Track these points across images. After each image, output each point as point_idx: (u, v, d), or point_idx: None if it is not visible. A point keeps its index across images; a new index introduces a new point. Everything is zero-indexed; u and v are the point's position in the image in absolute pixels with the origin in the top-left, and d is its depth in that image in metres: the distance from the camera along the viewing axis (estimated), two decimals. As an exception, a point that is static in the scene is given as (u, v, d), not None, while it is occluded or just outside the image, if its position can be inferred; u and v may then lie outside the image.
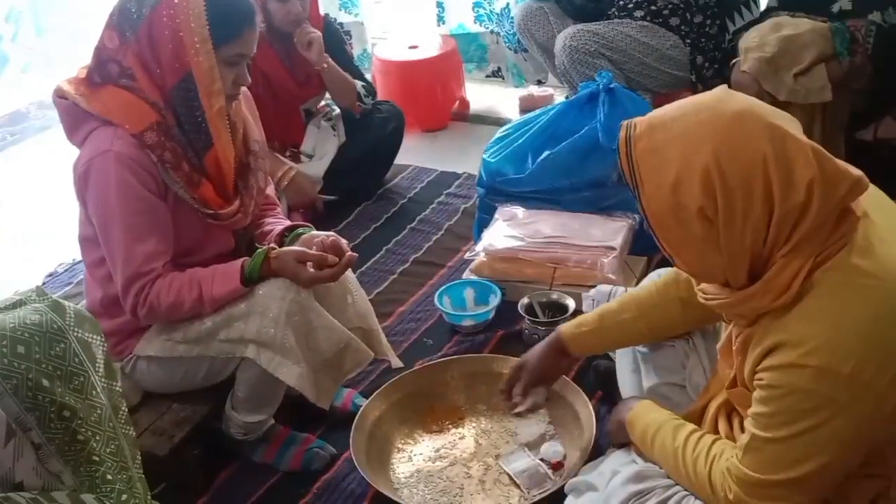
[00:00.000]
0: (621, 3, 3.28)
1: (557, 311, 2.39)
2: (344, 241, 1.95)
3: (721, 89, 1.31)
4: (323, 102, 3.30)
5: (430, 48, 3.91)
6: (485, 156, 2.85)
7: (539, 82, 3.95)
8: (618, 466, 1.67)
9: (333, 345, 1.90)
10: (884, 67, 2.76)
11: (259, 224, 2.10)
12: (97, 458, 1.41)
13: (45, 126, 4.29)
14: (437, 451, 2.03)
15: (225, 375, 1.98)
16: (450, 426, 2.10)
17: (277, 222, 2.10)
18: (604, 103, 2.71)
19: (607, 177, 2.64)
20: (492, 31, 4.12)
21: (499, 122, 3.66)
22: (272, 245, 1.95)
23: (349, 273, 2.02)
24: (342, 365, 1.95)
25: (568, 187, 2.69)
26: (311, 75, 3.08)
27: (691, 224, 1.23)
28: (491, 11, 4.04)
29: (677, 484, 1.51)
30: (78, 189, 1.87)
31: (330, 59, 3.03)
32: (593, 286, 2.34)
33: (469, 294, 2.60)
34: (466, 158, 3.50)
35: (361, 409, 2.04)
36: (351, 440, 1.95)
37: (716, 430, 1.52)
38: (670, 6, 3.20)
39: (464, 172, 3.45)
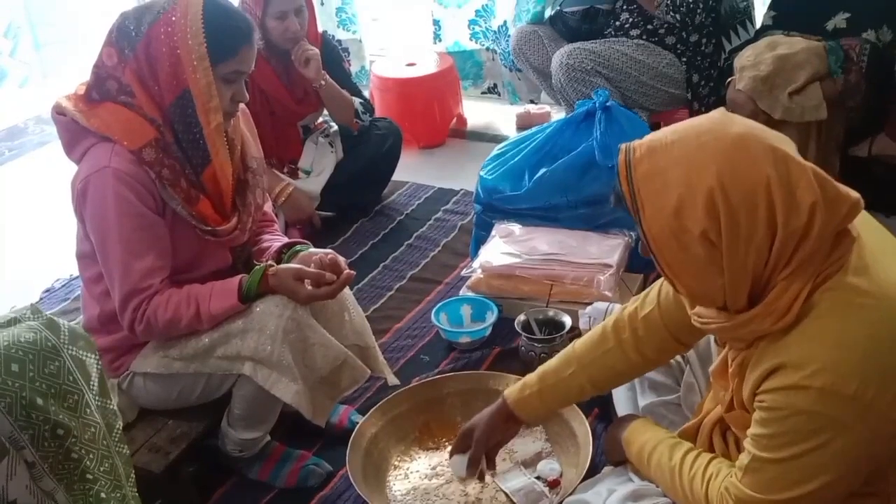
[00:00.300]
0: (617, 23, 3.30)
1: (554, 328, 2.39)
2: (342, 259, 1.95)
3: (719, 112, 1.30)
4: (321, 119, 3.31)
5: (427, 65, 3.93)
6: (482, 173, 2.86)
7: (532, 101, 3.97)
8: (614, 485, 1.67)
9: (330, 362, 1.90)
10: (878, 85, 2.78)
11: (257, 241, 2.11)
12: (91, 477, 1.40)
13: (43, 141, 4.30)
14: (434, 468, 2.03)
15: (221, 392, 1.98)
16: (446, 443, 2.09)
17: (275, 239, 2.10)
18: (600, 121, 2.72)
19: (604, 194, 2.64)
20: (487, 49, 4.14)
21: (496, 139, 3.68)
22: (270, 262, 1.95)
23: (346, 290, 2.02)
24: (339, 382, 1.95)
25: (564, 205, 2.70)
26: (308, 92, 3.09)
27: (694, 247, 1.22)
28: (487, 29, 4.06)
29: (674, 503, 1.51)
30: (76, 205, 1.87)
31: (328, 77, 3.05)
32: (590, 303, 2.35)
33: (466, 311, 2.61)
34: (463, 175, 3.51)
35: (358, 426, 2.03)
36: (347, 457, 1.94)
37: (710, 448, 1.52)
38: (666, 25, 3.22)
39: (461, 189, 3.46)
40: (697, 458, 1.47)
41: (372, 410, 2.08)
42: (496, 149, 2.94)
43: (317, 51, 2.99)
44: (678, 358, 1.82)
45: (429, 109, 3.89)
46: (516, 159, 2.81)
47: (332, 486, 2.09)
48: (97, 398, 1.46)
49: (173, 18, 1.78)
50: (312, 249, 2.02)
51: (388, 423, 2.07)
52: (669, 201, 1.23)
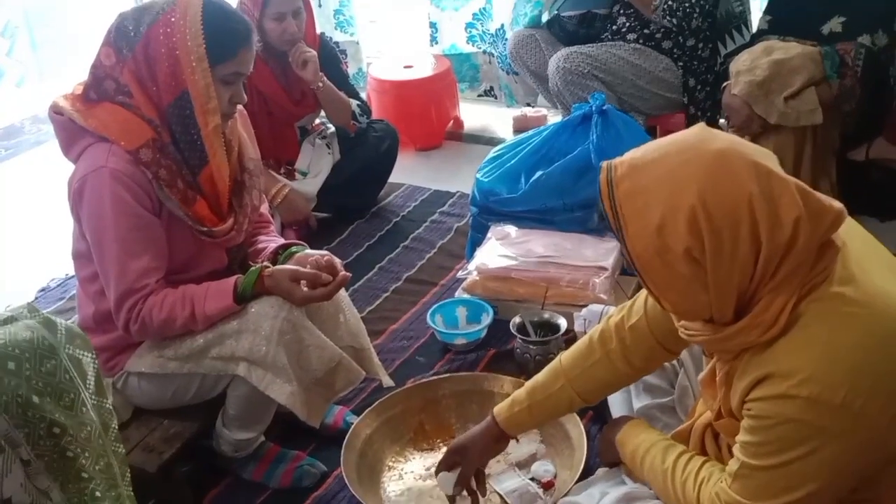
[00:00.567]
0: (614, 27, 3.31)
1: (549, 330, 2.40)
2: (338, 261, 1.96)
3: (699, 127, 1.29)
4: (318, 120, 3.31)
5: (424, 68, 3.94)
6: (478, 175, 2.87)
7: (528, 105, 3.98)
8: (608, 487, 1.67)
9: (325, 363, 1.90)
10: (873, 89, 2.79)
11: (253, 242, 2.11)
12: (86, 476, 1.40)
13: (39, 141, 4.30)
14: (428, 469, 2.03)
15: (216, 392, 1.98)
16: (441, 444, 2.09)
17: (271, 240, 2.11)
18: (596, 125, 2.73)
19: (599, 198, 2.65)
20: (484, 52, 4.15)
21: (492, 141, 3.69)
22: (266, 263, 1.96)
23: (342, 292, 2.02)
24: (333, 384, 1.96)
25: (560, 207, 2.71)
26: (306, 93, 3.10)
27: (677, 265, 1.22)
28: (484, 32, 4.07)
29: (666, 504, 1.52)
30: (72, 204, 1.87)
31: (325, 78, 3.05)
32: (585, 306, 2.35)
33: (461, 312, 2.61)
34: (460, 177, 3.52)
35: (352, 426, 2.04)
36: (342, 458, 1.94)
37: (703, 451, 1.53)
38: (663, 30, 3.23)
39: (457, 191, 3.47)
40: (690, 461, 1.47)
41: (367, 411, 2.09)
42: (492, 151, 2.95)
43: (314, 52, 3.00)
44: (673, 361, 1.83)
45: (426, 112, 3.89)
46: (512, 162, 2.82)
47: (327, 487, 2.09)
48: (93, 397, 1.46)
49: (172, 19, 1.79)
50: (308, 251, 2.02)
51: (383, 424, 2.08)
52: (652, 220, 1.22)
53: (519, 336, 2.38)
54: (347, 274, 1.94)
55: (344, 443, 1.98)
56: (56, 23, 5.01)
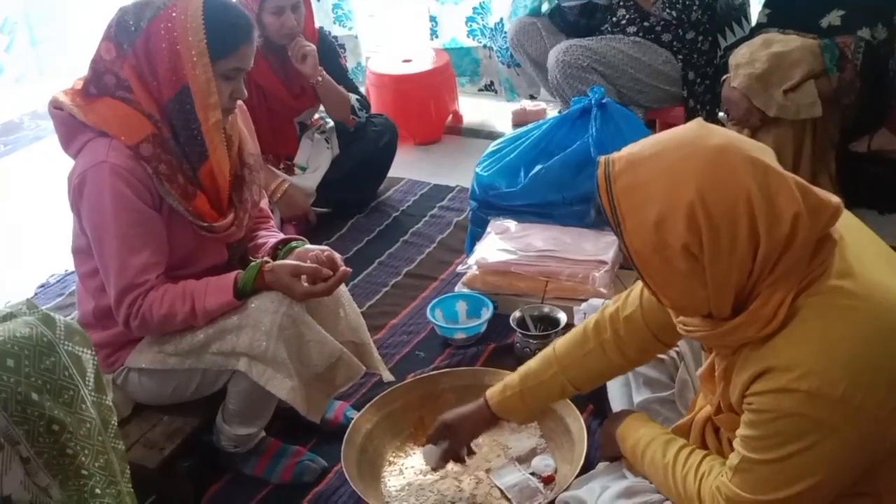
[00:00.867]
0: (614, 19, 3.30)
1: (549, 324, 2.40)
2: (338, 256, 1.96)
3: (697, 122, 1.29)
4: (317, 115, 3.31)
5: (423, 62, 3.93)
6: (477, 169, 2.87)
7: (531, 97, 3.97)
8: (608, 481, 1.67)
9: (325, 358, 1.90)
10: (872, 83, 2.79)
11: (252, 237, 2.11)
12: (86, 473, 1.40)
13: (38, 136, 4.29)
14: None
15: (216, 388, 1.98)
16: (441, 439, 2.09)
17: (271, 235, 2.11)
18: (596, 118, 2.73)
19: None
20: (484, 46, 4.14)
21: (492, 135, 3.68)
22: (266, 258, 1.95)
23: (342, 287, 2.02)
24: (334, 379, 1.96)
25: (560, 201, 2.71)
26: (305, 88, 3.09)
27: (676, 260, 1.22)
28: (484, 26, 4.06)
29: (667, 499, 1.52)
30: (72, 200, 1.87)
31: (324, 73, 3.05)
32: (585, 300, 2.35)
33: (461, 307, 2.61)
34: (459, 172, 3.52)
35: (353, 421, 2.04)
36: (342, 453, 1.94)
37: (703, 444, 1.53)
38: (662, 23, 3.23)
39: (456, 186, 3.47)
40: (691, 455, 1.47)
41: (367, 406, 2.09)
42: (492, 145, 2.94)
43: (314, 47, 2.99)
44: (673, 354, 1.83)
45: (425, 106, 3.89)
46: (512, 156, 2.81)
47: (328, 482, 2.09)
48: (93, 394, 1.46)
49: (173, 14, 1.78)
50: (308, 246, 2.02)
51: (383, 419, 2.08)
52: (650, 215, 1.21)
53: (519, 330, 2.38)
54: (348, 269, 1.94)
55: (344, 438, 1.98)
56: (55, 19, 5.01)
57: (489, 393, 1.76)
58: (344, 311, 2.06)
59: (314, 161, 3.22)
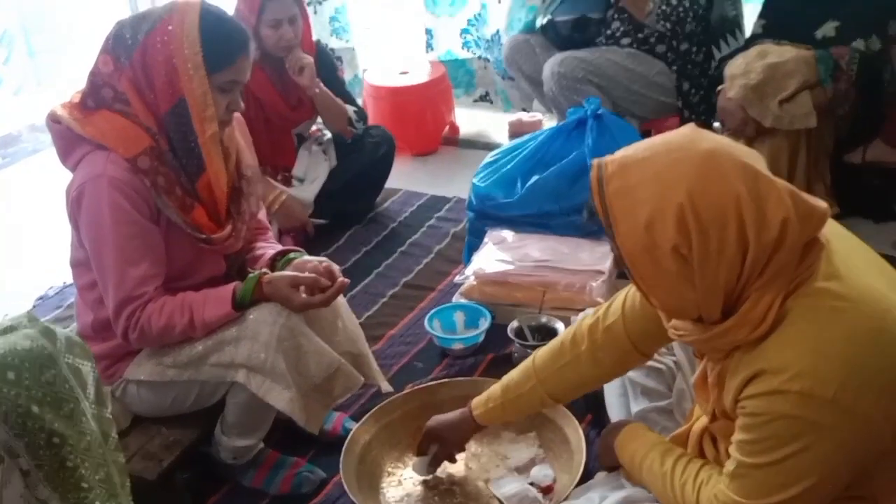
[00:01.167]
0: (608, 32, 3.32)
1: (547, 334, 2.40)
2: (336, 267, 1.96)
3: (689, 127, 1.31)
4: (314, 127, 3.32)
5: (420, 74, 3.95)
6: (474, 180, 2.88)
7: (524, 110, 3.99)
8: (607, 490, 1.68)
9: (323, 370, 1.91)
10: (867, 94, 2.80)
11: (250, 248, 2.11)
12: (86, 486, 1.40)
13: (36, 149, 4.30)
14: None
15: (215, 400, 1.98)
16: (440, 450, 2.09)
17: (269, 247, 2.11)
18: (592, 129, 2.74)
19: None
20: (479, 57, 4.16)
21: (488, 146, 3.69)
22: (264, 270, 1.96)
23: (340, 298, 2.02)
24: (332, 390, 1.96)
25: (557, 211, 2.72)
26: (302, 100, 3.10)
27: (665, 262, 1.24)
28: (478, 38, 4.08)
29: (665, 508, 1.52)
30: (70, 212, 1.87)
31: (322, 85, 3.06)
32: (582, 309, 2.35)
33: (459, 317, 2.61)
34: (456, 183, 3.52)
35: (351, 432, 2.04)
36: (341, 464, 1.94)
37: (701, 454, 1.53)
38: (657, 34, 3.24)
39: (454, 196, 3.47)
40: (689, 464, 1.48)
41: (365, 417, 2.09)
42: (489, 156, 2.96)
43: (311, 59, 3.01)
44: (670, 364, 1.84)
45: (421, 117, 3.90)
46: (509, 167, 2.83)
47: (326, 493, 2.09)
48: (93, 406, 1.46)
49: (170, 27, 1.79)
50: (306, 257, 2.02)
51: (382, 430, 2.08)
52: (641, 217, 1.24)
53: (517, 340, 2.39)
54: (346, 280, 1.94)
55: (343, 449, 1.98)
56: (53, 31, 5.01)
57: (474, 403, 1.84)
58: (342, 322, 2.06)
59: (312, 172, 3.22)
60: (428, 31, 4.14)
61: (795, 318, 1.24)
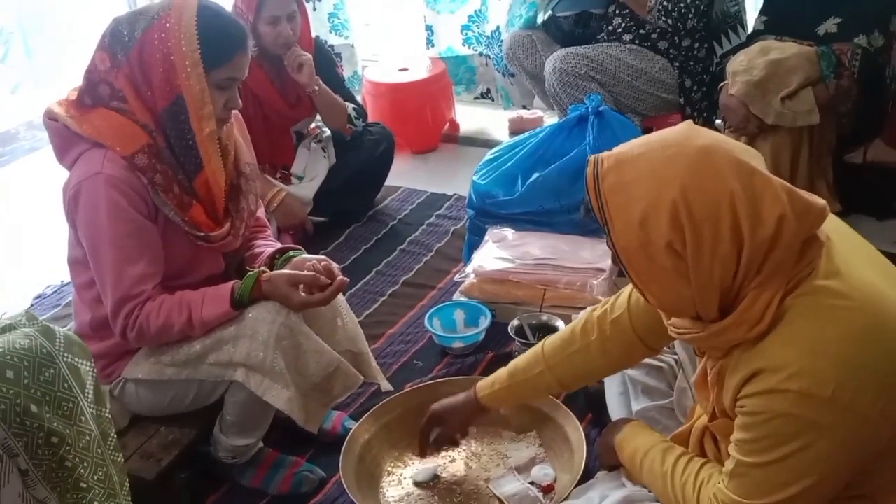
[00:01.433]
0: (610, 28, 3.31)
1: (547, 332, 2.37)
2: (336, 266, 1.95)
3: (686, 124, 1.31)
4: (314, 124, 3.31)
5: (419, 70, 3.94)
6: (475, 177, 2.87)
7: (524, 107, 3.98)
8: (607, 490, 1.67)
9: (323, 369, 1.90)
10: (869, 90, 2.79)
11: (249, 246, 2.10)
12: (84, 486, 1.40)
13: (34, 147, 4.28)
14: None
15: (214, 399, 1.97)
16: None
17: (268, 245, 2.10)
18: (593, 126, 2.73)
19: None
20: (480, 54, 4.15)
21: (489, 144, 3.68)
22: (263, 268, 1.95)
23: (339, 296, 2.01)
24: (331, 389, 1.95)
25: (557, 209, 2.71)
26: (301, 97, 3.09)
27: (660, 258, 1.24)
28: (479, 34, 4.07)
29: (666, 508, 1.52)
30: (68, 211, 1.86)
31: (321, 82, 3.05)
32: (583, 308, 2.34)
33: (459, 316, 2.61)
34: (456, 180, 3.52)
35: (351, 431, 2.03)
36: (340, 463, 1.94)
37: (702, 453, 1.53)
38: (658, 30, 3.23)
39: (454, 194, 3.47)
40: (689, 463, 1.47)
41: (365, 416, 2.08)
42: (489, 153, 2.95)
43: (310, 56, 2.99)
44: (671, 362, 1.83)
45: (421, 114, 3.89)
46: (509, 164, 2.82)
47: (326, 493, 2.08)
48: (92, 406, 1.45)
49: (167, 24, 1.78)
50: (305, 255, 2.01)
51: (382, 429, 2.07)
52: (635, 213, 1.24)
53: (517, 339, 2.38)
54: (345, 279, 1.93)
55: (342, 448, 1.97)
56: (50, 29, 5.00)
57: (479, 385, 1.83)
58: (341, 321, 2.05)
59: (311, 170, 3.21)
60: (428, 28, 4.13)
61: (794, 316, 1.23)
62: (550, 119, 3.72)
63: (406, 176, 3.62)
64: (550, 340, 1.75)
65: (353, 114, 3.20)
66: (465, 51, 4.14)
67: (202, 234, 1.89)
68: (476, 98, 4.31)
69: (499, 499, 1.92)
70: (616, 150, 1.31)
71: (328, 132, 3.30)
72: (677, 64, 3.25)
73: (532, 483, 1.94)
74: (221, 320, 1.85)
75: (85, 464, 1.40)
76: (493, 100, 4.26)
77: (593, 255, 2.58)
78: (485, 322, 2.54)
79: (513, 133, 3.80)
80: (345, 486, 1.89)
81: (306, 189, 3.17)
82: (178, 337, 1.87)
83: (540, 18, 3.46)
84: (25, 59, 4.92)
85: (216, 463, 2.07)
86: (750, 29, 3.16)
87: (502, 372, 1.80)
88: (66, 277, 2.42)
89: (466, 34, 4.09)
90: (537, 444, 2.05)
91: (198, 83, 1.80)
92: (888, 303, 1.25)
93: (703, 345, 1.37)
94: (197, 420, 2.02)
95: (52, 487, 1.38)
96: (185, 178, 1.87)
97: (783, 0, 2.95)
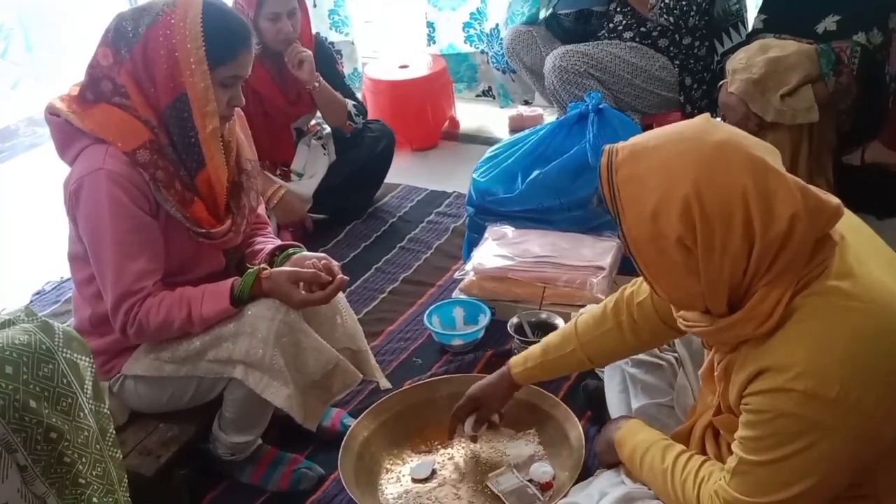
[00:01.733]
0: (610, 25, 3.31)
1: (547, 330, 2.38)
2: (335, 264, 1.95)
3: (703, 118, 1.31)
4: (314, 121, 3.31)
5: (420, 68, 3.93)
6: (474, 175, 2.87)
7: (526, 102, 3.98)
8: (606, 487, 1.67)
9: (322, 366, 1.90)
10: (869, 87, 2.79)
11: (250, 243, 2.10)
12: (83, 481, 1.40)
13: (34, 143, 4.29)
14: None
15: (213, 395, 1.97)
16: (439, 446, 2.09)
17: (268, 242, 2.10)
18: (593, 123, 2.73)
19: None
20: (482, 52, 4.15)
21: (489, 141, 3.68)
22: (263, 265, 1.95)
23: (339, 294, 2.01)
24: (330, 386, 1.95)
25: (557, 207, 2.71)
26: (302, 94, 3.09)
27: (670, 252, 1.24)
28: (481, 32, 4.07)
29: (666, 505, 1.52)
30: (69, 207, 1.86)
31: (321, 79, 3.05)
32: (582, 305, 2.35)
33: (458, 313, 2.61)
34: (456, 177, 3.52)
35: (350, 429, 2.03)
36: (339, 460, 1.94)
37: (703, 451, 1.53)
38: (659, 28, 3.23)
39: (454, 191, 3.47)
40: (689, 460, 1.47)
41: (364, 414, 2.08)
42: (489, 151, 2.95)
43: (310, 53, 2.99)
44: (672, 360, 1.83)
45: (421, 112, 3.89)
46: (509, 162, 2.82)
47: (324, 490, 2.08)
48: (90, 402, 1.45)
49: (172, 21, 1.78)
50: (305, 253, 2.02)
51: (381, 427, 2.07)
52: (647, 206, 1.24)
53: (517, 337, 2.38)
54: (345, 277, 1.94)
55: (341, 445, 1.97)
56: (51, 24, 5.01)
57: (512, 362, 1.87)
58: (341, 318, 2.05)
59: (311, 167, 3.21)
60: (430, 25, 4.12)
61: (804, 315, 1.23)
62: (550, 117, 3.72)
63: (406, 173, 3.62)
64: (582, 319, 1.78)
65: (353, 111, 3.20)
66: (466, 48, 4.14)
67: (203, 230, 1.89)
68: (478, 96, 4.31)
69: (497, 495, 1.92)
70: (631, 140, 1.31)
71: (328, 129, 3.30)
72: (677, 62, 3.25)
73: (531, 480, 1.94)
74: (221, 317, 1.85)
75: (84, 459, 1.40)
76: (494, 98, 4.25)
77: (593, 252, 2.58)
78: (484, 320, 2.54)
79: (513, 131, 3.80)
80: (343, 483, 1.89)
81: (306, 186, 3.17)
82: (177, 333, 1.87)
83: (541, 15, 3.46)
84: (26, 55, 4.92)
85: (215, 460, 2.08)
86: (751, 27, 3.15)
87: (535, 349, 1.84)
88: (66, 273, 2.42)
89: (468, 31, 4.09)
90: (536, 442, 2.05)
91: (202, 80, 1.79)
92: None
93: (712, 339, 1.37)
94: (196, 417, 2.02)
95: (51, 483, 1.38)
96: (187, 175, 1.86)
97: (782, -2, 2.96)
